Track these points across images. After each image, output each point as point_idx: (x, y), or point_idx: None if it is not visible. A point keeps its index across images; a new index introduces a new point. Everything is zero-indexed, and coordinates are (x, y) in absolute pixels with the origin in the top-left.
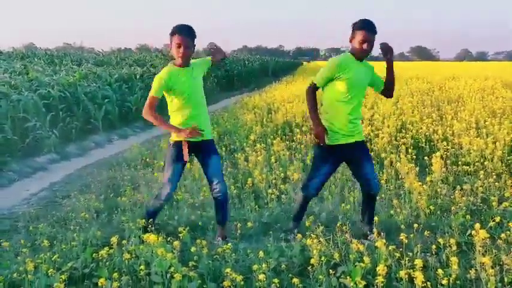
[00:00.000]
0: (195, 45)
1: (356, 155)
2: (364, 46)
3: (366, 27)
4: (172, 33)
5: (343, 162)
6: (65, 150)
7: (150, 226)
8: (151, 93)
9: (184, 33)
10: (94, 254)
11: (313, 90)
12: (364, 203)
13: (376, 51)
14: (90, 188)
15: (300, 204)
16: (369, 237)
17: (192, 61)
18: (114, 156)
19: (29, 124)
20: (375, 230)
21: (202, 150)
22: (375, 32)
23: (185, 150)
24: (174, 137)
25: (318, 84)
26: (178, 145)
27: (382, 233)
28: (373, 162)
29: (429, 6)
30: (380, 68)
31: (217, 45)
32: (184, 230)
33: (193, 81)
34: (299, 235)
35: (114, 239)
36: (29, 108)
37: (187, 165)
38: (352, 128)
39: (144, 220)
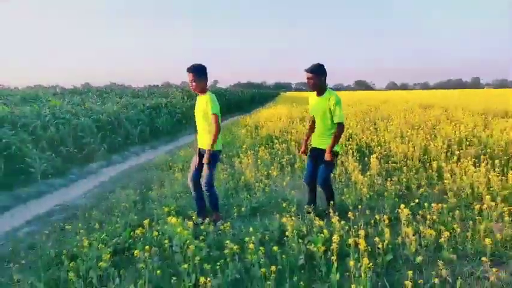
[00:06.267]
0: (203, 78)
1: (318, 157)
2: (307, 82)
3: (306, 69)
4: (187, 71)
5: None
6: (111, 159)
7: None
8: None
9: (192, 72)
10: (132, 233)
11: (310, 120)
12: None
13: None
14: (129, 185)
15: (305, 191)
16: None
17: (209, 95)
18: (146, 162)
19: (85, 140)
20: (331, 210)
21: (200, 156)
22: (312, 71)
23: (195, 159)
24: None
25: (310, 113)
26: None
27: (336, 212)
28: (325, 166)
29: (368, 47)
30: (348, 96)
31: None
32: (194, 213)
33: (197, 107)
34: (277, 215)
35: (146, 222)
36: (85, 129)
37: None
38: (319, 140)
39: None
